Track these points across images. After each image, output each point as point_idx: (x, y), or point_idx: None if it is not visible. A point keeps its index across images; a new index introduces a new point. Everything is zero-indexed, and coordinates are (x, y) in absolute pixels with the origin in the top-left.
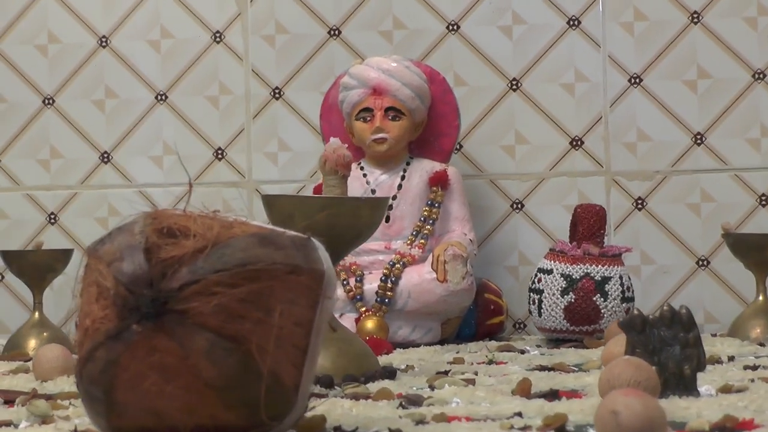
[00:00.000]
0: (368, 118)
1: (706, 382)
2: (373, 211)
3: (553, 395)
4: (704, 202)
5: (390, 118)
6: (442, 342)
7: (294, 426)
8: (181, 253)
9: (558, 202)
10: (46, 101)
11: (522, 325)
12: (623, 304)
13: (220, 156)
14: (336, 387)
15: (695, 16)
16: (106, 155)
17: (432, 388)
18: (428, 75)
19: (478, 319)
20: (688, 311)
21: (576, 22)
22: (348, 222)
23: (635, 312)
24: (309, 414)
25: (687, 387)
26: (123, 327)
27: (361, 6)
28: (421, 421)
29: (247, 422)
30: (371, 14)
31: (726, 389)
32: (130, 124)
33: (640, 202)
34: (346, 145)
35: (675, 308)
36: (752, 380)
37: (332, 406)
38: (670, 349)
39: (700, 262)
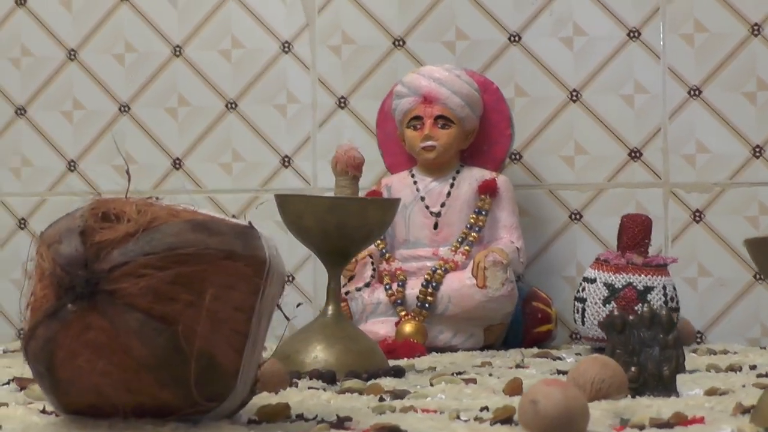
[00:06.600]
0: (418, 126)
1: (700, 385)
2: (382, 212)
3: None
4: (762, 214)
5: (439, 126)
6: (484, 348)
7: (239, 409)
8: (113, 237)
9: (616, 213)
10: (122, 109)
11: (578, 336)
12: None
13: (286, 163)
14: (338, 383)
15: (755, 28)
16: (178, 161)
17: (432, 385)
18: (481, 84)
19: (525, 327)
20: (668, 313)
21: (636, 34)
22: (356, 222)
23: (616, 313)
24: (275, 401)
25: (666, 388)
26: (59, 306)
27: (425, 17)
28: (381, 412)
29: (183, 402)
30: (435, 25)
31: (711, 392)
32: (201, 131)
33: (698, 214)
34: (358, 147)
35: (655, 310)
36: (744, 386)
37: (309, 397)
38: (650, 350)
39: (758, 276)
